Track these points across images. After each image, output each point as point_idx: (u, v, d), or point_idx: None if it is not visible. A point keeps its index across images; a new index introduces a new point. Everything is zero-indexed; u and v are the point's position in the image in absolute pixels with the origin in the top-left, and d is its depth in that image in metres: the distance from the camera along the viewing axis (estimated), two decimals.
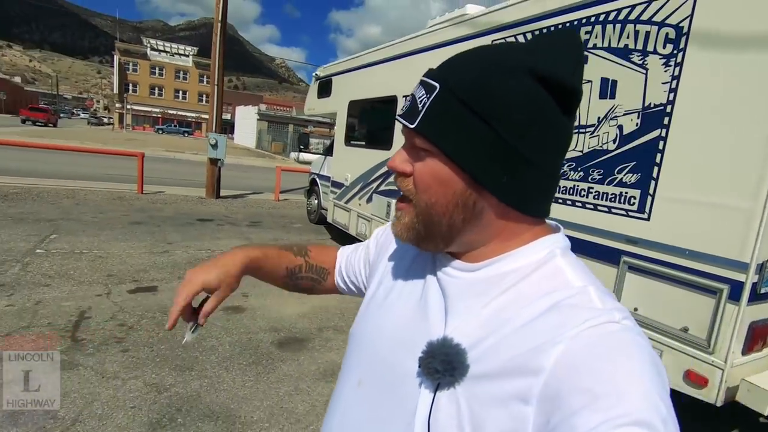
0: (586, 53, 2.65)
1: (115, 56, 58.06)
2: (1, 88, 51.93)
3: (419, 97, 0.50)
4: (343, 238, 6.37)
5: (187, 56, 63.03)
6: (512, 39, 3.19)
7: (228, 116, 49.23)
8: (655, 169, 2.25)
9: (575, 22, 2.72)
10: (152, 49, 60.90)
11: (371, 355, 0.60)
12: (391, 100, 4.73)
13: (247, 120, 43.54)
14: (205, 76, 61.90)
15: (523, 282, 0.49)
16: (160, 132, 50.43)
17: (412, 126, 0.49)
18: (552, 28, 2.88)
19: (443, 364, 0.46)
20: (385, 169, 4.85)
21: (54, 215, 6.10)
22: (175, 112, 60.00)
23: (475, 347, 0.47)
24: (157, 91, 60.76)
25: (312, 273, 0.83)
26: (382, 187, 4.92)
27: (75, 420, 2.13)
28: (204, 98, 61.82)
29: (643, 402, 0.37)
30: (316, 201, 7.74)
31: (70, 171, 10.38)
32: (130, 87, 58.81)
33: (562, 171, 2.76)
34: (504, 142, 0.46)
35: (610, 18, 2.51)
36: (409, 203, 0.52)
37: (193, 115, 60.49)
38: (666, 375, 0.42)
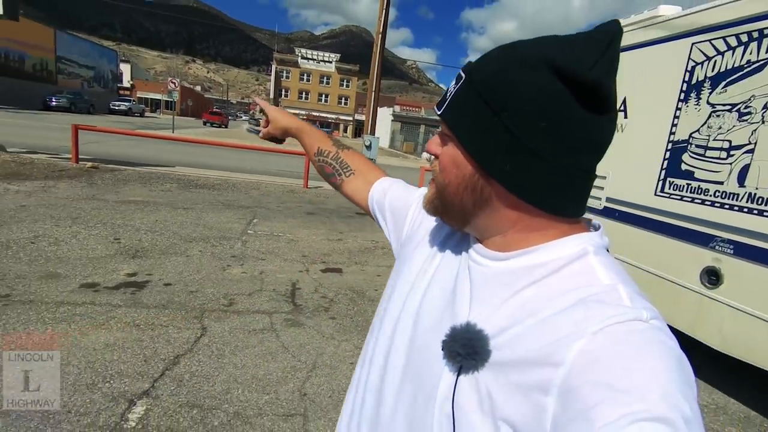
0: None
1: (273, 66, 66.28)
2: (189, 96, 63.27)
3: (450, 87, 0.54)
4: None
5: (330, 62, 68.70)
6: (719, 41, 3.00)
7: (362, 117, 52.69)
8: None
9: None
10: (302, 57, 67.83)
11: (399, 332, 0.62)
12: None
13: (381, 121, 45.79)
14: (345, 80, 66.98)
15: (551, 276, 0.49)
16: None
17: (438, 113, 0.56)
18: None
19: (464, 348, 0.48)
20: None
21: (249, 203, 7.43)
22: (317, 114, 66.01)
23: (498, 335, 0.48)
24: (304, 95, 67.55)
25: (336, 163, 0.94)
26: None
27: (314, 366, 2.73)
28: (343, 101, 66.89)
29: (665, 399, 0.37)
30: None
31: (249, 166, 12.37)
32: (283, 92, 66.51)
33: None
34: (509, 133, 0.47)
35: None
36: (435, 180, 0.59)
37: (333, 116, 65.86)
38: (694, 378, 0.41)
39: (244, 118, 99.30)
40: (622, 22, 4.20)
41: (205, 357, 2.66)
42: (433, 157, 0.58)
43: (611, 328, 0.42)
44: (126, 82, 60.66)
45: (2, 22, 12.66)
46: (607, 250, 0.53)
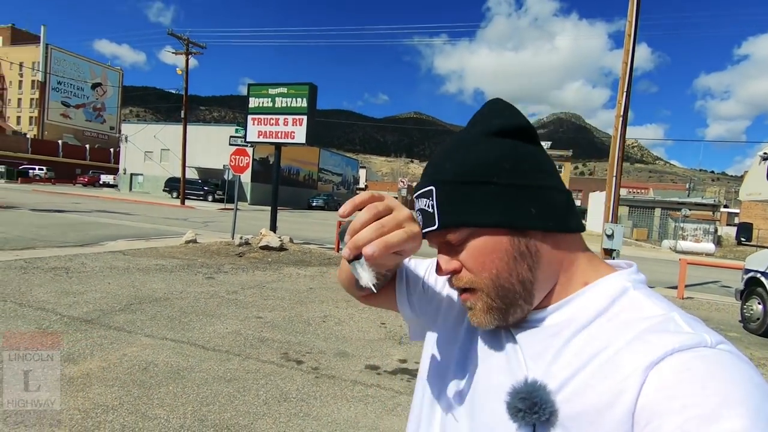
0: None
1: None
2: (409, 192, 72.00)
3: (425, 207, 0.53)
4: None
5: None
6: None
7: (578, 202, 49.53)
8: None
9: None
10: None
11: (456, 406, 0.58)
12: None
13: (598, 207, 41.91)
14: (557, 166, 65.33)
15: (600, 318, 0.49)
16: None
17: (435, 227, 0.52)
18: None
19: (523, 402, 0.46)
20: None
21: None
22: None
23: (563, 387, 0.46)
24: None
25: None
26: None
27: None
28: None
29: (740, 424, 0.35)
30: (761, 306, 6.13)
31: None
32: None
33: None
34: (510, 186, 0.51)
35: None
36: (473, 291, 0.53)
37: None
38: None
39: None
40: None
41: None
42: (450, 275, 0.54)
43: (675, 356, 0.40)
44: (362, 183, 73.66)
45: (291, 148, 17.17)
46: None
